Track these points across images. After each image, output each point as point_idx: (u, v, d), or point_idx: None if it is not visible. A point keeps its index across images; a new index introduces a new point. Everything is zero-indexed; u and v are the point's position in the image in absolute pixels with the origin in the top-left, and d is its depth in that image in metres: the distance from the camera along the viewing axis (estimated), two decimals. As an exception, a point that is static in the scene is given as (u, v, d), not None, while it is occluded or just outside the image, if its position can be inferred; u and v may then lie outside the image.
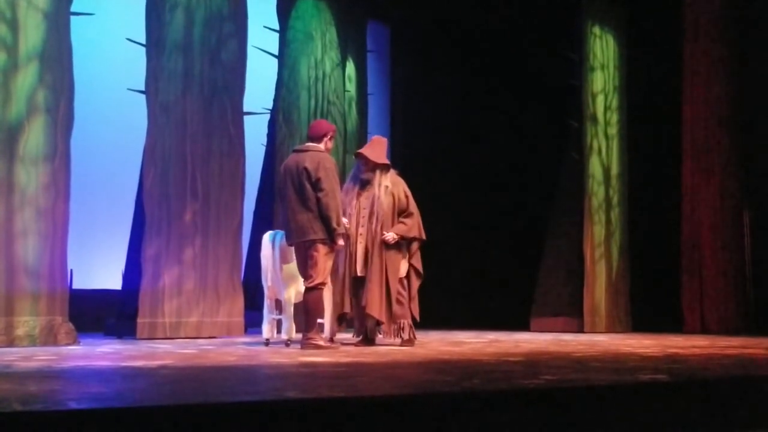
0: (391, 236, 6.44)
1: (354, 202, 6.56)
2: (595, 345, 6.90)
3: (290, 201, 6.02)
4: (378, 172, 6.57)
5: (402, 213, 6.57)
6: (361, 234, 6.49)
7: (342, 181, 6.72)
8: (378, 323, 6.49)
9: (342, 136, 9.84)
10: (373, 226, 6.46)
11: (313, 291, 5.99)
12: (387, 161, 6.66)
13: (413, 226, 6.57)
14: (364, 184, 6.60)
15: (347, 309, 6.53)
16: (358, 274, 6.47)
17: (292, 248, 6.26)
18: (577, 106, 10.55)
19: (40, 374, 3.82)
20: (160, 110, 7.61)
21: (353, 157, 6.80)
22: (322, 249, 5.98)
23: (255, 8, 8.68)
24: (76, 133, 6.60)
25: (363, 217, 6.50)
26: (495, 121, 11.79)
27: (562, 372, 4.01)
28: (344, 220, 6.37)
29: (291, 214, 6.02)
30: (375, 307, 6.37)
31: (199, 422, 2.50)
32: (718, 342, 7.54)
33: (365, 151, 6.68)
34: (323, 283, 6.05)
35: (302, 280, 6.23)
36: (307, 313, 6.01)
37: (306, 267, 6.05)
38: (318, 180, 5.93)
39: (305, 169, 5.98)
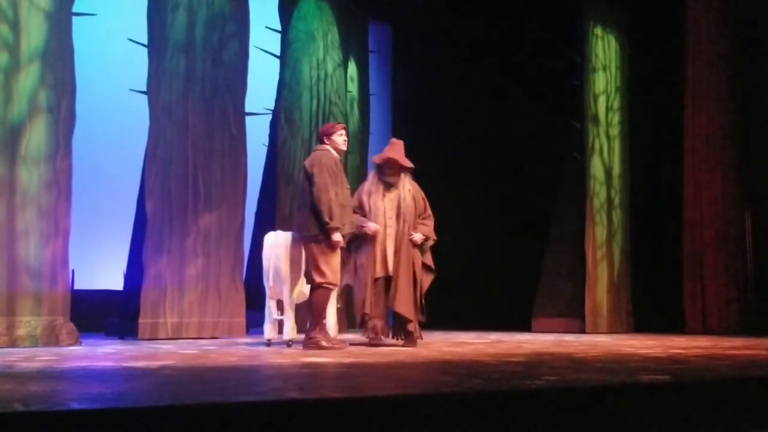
0: (419, 237, 6.61)
1: (379, 203, 6.63)
2: (597, 346, 6.90)
3: (299, 199, 6.23)
4: (402, 175, 6.74)
5: (420, 215, 6.75)
6: (389, 234, 6.60)
7: (351, 179, 6.77)
8: (407, 322, 6.53)
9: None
10: (401, 226, 6.59)
11: (317, 290, 5.99)
12: (411, 164, 6.78)
13: (432, 227, 6.82)
14: (389, 186, 6.70)
15: (368, 310, 6.53)
16: (390, 273, 6.55)
17: (295, 248, 6.34)
18: (578, 107, 10.54)
19: (42, 374, 3.82)
20: (162, 110, 7.61)
21: (374, 162, 6.94)
22: (315, 247, 5.99)
23: (257, 9, 8.68)
24: (78, 133, 6.60)
25: (389, 218, 6.62)
26: (497, 122, 11.79)
27: (564, 373, 4.01)
28: (373, 224, 6.47)
29: (297, 211, 6.28)
30: (405, 305, 6.47)
31: (200, 423, 2.50)
32: (720, 343, 7.53)
33: (392, 155, 6.76)
34: (328, 283, 6.01)
35: (304, 280, 6.25)
36: (311, 313, 6.02)
37: (307, 265, 6.12)
38: (312, 175, 6.03)
39: (304, 166, 6.18)
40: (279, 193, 9.28)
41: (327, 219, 5.92)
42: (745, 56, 10.70)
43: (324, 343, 5.94)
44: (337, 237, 5.97)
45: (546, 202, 10.82)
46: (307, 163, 6.17)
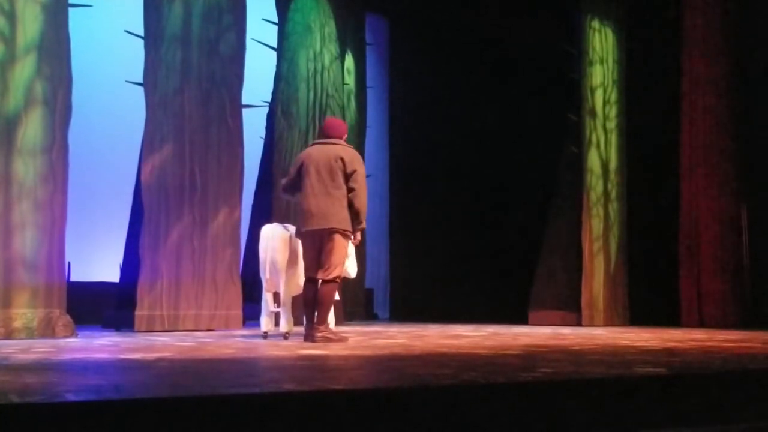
0: None
1: None
2: (593, 338, 6.91)
3: (312, 188, 5.93)
4: None
5: None
6: None
7: None
8: None
9: (342, 129, 9.84)
10: None
11: (329, 283, 5.94)
12: None
13: None
14: None
15: None
16: None
17: (293, 240, 6.28)
18: (576, 100, 10.53)
19: (38, 366, 3.82)
20: (159, 102, 7.59)
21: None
22: (342, 240, 5.95)
23: (254, 1, 8.65)
24: (74, 125, 6.58)
25: None
26: (494, 115, 11.78)
27: (560, 365, 4.02)
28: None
29: (313, 200, 5.92)
30: None
31: (197, 414, 2.50)
32: (716, 336, 7.55)
33: None
34: (340, 276, 6.04)
35: (302, 272, 6.23)
36: (321, 306, 5.94)
37: (321, 256, 5.95)
38: (354, 172, 5.93)
39: (342, 159, 5.93)
40: (276, 186, 9.27)
41: (363, 219, 5.99)
42: (743, 49, 10.70)
43: (333, 336, 5.94)
44: (359, 236, 6.12)
45: (543, 195, 10.82)
46: (344, 156, 5.94)
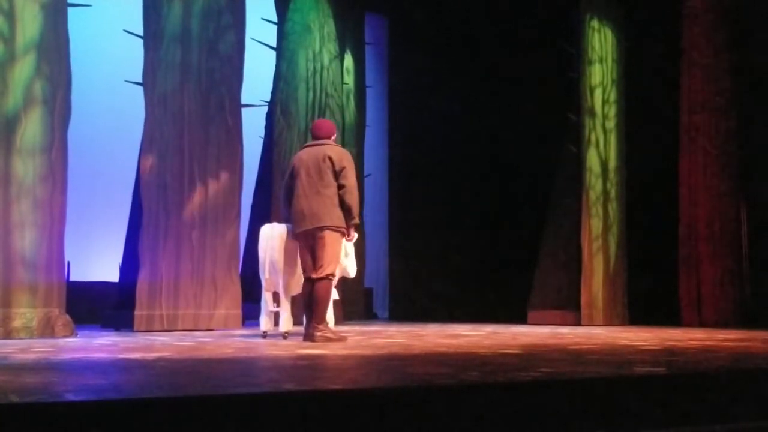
0: None
1: None
2: (593, 338, 6.91)
3: (303, 189, 5.98)
4: None
5: None
6: None
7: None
8: None
9: (340, 128, 9.84)
10: None
11: (323, 281, 5.95)
12: None
13: None
14: None
15: None
16: None
17: (292, 240, 6.26)
18: (575, 100, 10.54)
19: (37, 366, 3.82)
20: (158, 102, 7.59)
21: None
22: (334, 238, 5.96)
23: (253, 0, 8.65)
24: (74, 124, 6.58)
25: None
26: (493, 114, 11.79)
27: (559, 365, 4.02)
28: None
29: (304, 201, 5.97)
30: None
31: (196, 414, 2.50)
32: (716, 335, 7.55)
33: None
34: (333, 274, 6.05)
35: (300, 272, 6.22)
36: (317, 304, 5.94)
37: (315, 255, 5.98)
38: (343, 169, 5.95)
39: (329, 158, 5.97)
40: (275, 186, 9.27)
41: (355, 215, 5.99)
42: (743, 47, 10.69)
43: (333, 336, 5.94)
44: (354, 234, 6.12)
45: (542, 195, 10.83)
46: (333, 155, 5.98)
